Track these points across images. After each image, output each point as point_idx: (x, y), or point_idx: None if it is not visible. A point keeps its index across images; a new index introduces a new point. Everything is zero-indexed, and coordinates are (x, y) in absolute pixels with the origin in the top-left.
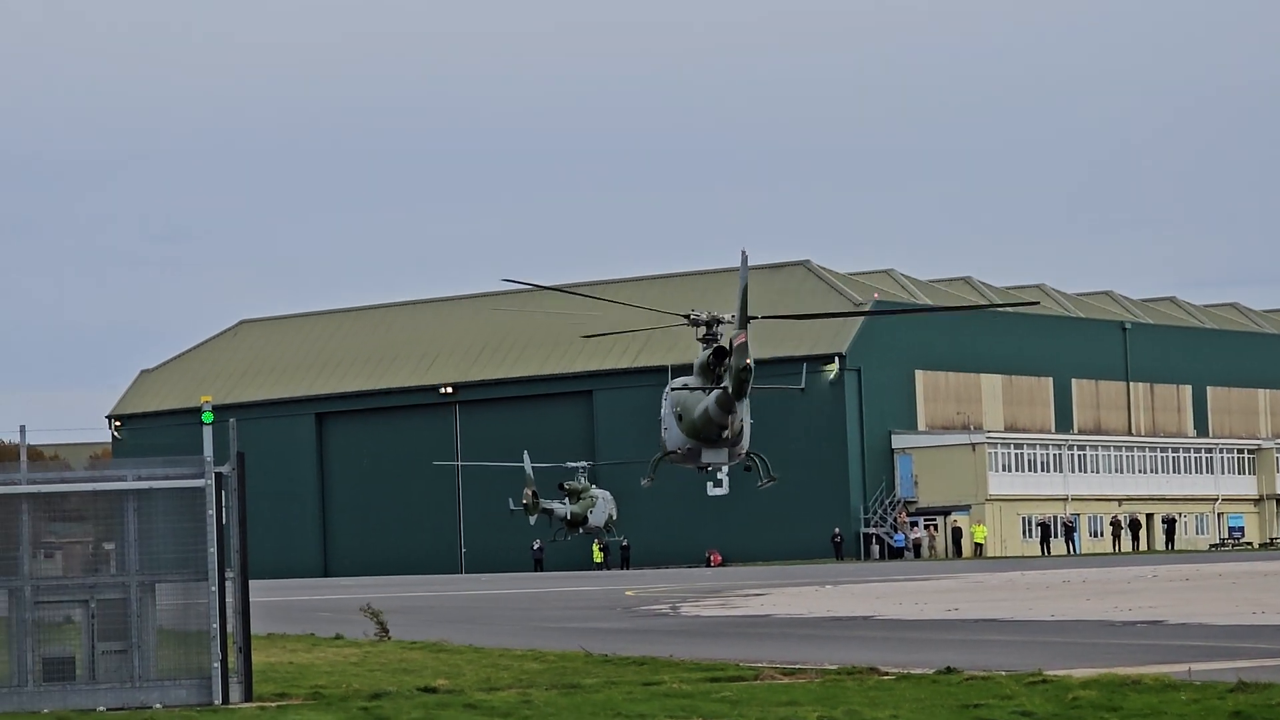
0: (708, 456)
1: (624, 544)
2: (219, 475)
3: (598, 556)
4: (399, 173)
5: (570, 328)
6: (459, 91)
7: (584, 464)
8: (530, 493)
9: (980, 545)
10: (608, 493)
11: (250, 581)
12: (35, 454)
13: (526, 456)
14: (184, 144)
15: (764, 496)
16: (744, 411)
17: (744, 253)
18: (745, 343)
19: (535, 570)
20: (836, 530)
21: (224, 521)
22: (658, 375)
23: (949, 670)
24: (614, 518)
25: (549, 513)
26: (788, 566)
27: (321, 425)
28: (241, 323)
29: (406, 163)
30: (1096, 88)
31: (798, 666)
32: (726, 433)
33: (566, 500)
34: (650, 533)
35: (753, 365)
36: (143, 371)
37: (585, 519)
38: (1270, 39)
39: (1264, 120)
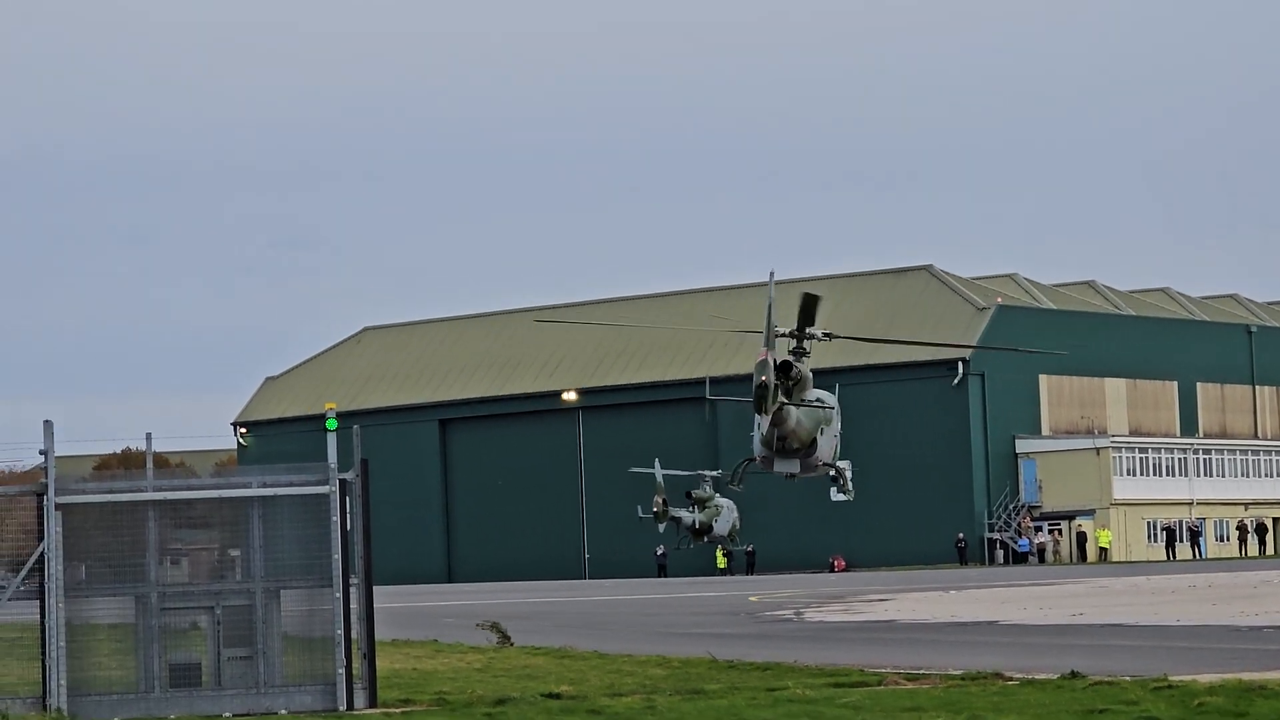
0: (779, 465)
1: (749, 549)
2: (343, 482)
3: (721, 562)
4: (523, 178)
5: (692, 334)
6: (587, 98)
7: (712, 473)
8: (661, 500)
9: (1105, 550)
10: (732, 502)
11: (374, 587)
12: (161, 461)
13: (658, 464)
14: (310, 150)
15: (887, 502)
16: (815, 423)
17: (771, 273)
18: (764, 360)
19: (659, 576)
20: (960, 535)
21: (348, 528)
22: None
23: (1073, 675)
24: (738, 526)
25: (676, 521)
26: (912, 572)
27: (445, 431)
28: (365, 329)
29: (532, 168)
30: (1222, 86)
31: (922, 672)
32: (791, 443)
33: (694, 509)
34: (775, 538)
35: (768, 382)
36: (268, 379)
37: (711, 528)
38: None
39: None
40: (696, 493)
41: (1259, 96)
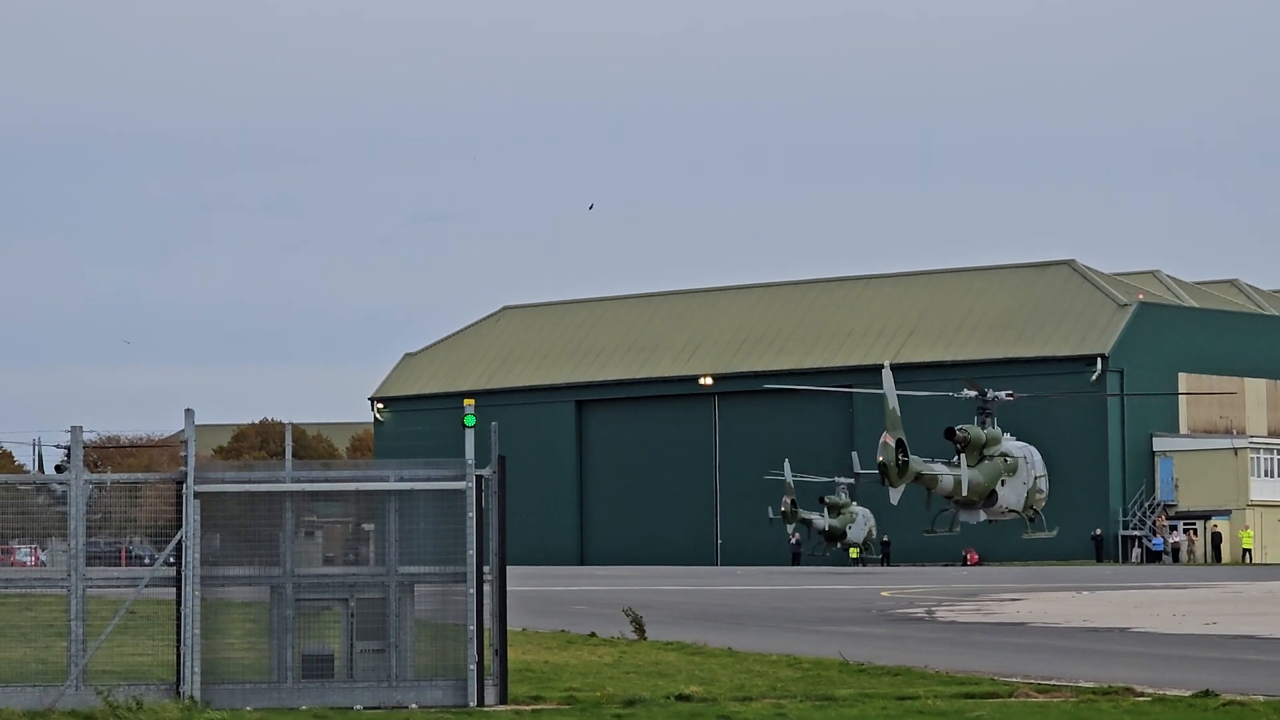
0: (963, 516)
1: (885, 540)
2: (480, 478)
3: (854, 552)
4: (665, 160)
5: (831, 323)
6: (733, 80)
7: (848, 480)
8: (789, 501)
9: (1248, 551)
10: (868, 511)
11: (506, 569)
12: (299, 432)
13: (787, 465)
14: (456, 127)
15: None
16: (992, 478)
17: (887, 365)
18: (884, 442)
19: (792, 564)
20: (1097, 530)
21: (484, 524)
22: (920, 372)
23: (1206, 693)
24: (874, 535)
25: (807, 523)
26: (1045, 568)
27: (581, 412)
28: (505, 309)
29: (675, 151)
30: None
31: (1052, 684)
32: (969, 498)
33: (826, 513)
34: (909, 529)
35: (886, 462)
36: (406, 355)
37: (844, 533)
38: None
39: None
40: (830, 498)
41: None
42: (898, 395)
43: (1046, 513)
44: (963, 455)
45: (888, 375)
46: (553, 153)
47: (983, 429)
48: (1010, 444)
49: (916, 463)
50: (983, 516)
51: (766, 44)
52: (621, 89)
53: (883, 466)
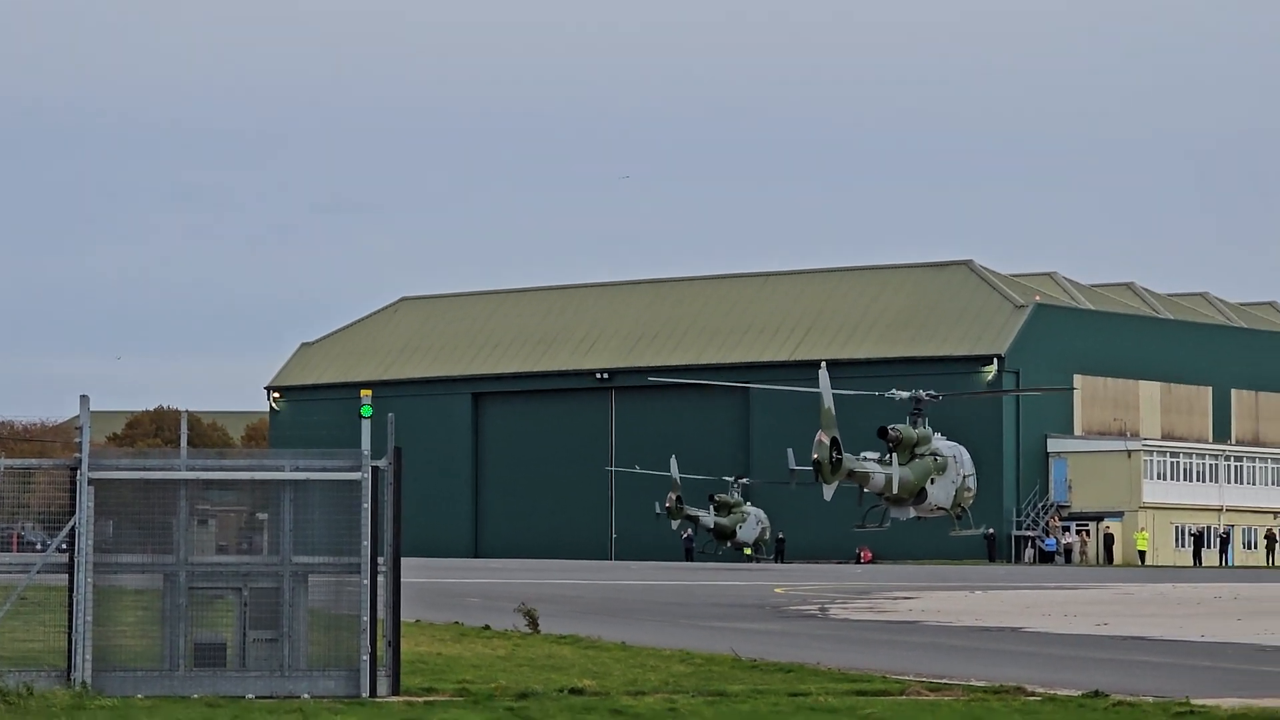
0: (894, 512)
1: (779, 536)
2: (376, 469)
3: (747, 550)
4: (565, 154)
5: (728, 318)
6: (628, 75)
7: (740, 480)
8: (674, 498)
9: (1143, 553)
10: (762, 513)
11: (400, 560)
12: (194, 420)
13: (674, 462)
14: (356, 116)
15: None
16: (921, 475)
17: (823, 364)
18: (818, 440)
19: (685, 559)
20: (990, 529)
21: (379, 515)
22: (815, 370)
23: (1096, 694)
24: (765, 536)
25: (694, 520)
26: (938, 567)
27: (478, 405)
28: (403, 300)
29: (574, 144)
30: (1262, 91)
31: (944, 682)
32: (899, 495)
33: (713, 511)
34: (803, 526)
35: (820, 459)
36: (303, 344)
37: (733, 533)
38: None
39: None
40: (720, 496)
41: None
42: (833, 394)
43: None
44: (894, 453)
45: (824, 375)
46: (453, 144)
47: (914, 428)
48: (940, 443)
49: (849, 460)
50: (912, 513)
51: (673, 40)
52: (525, 80)
53: (816, 464)
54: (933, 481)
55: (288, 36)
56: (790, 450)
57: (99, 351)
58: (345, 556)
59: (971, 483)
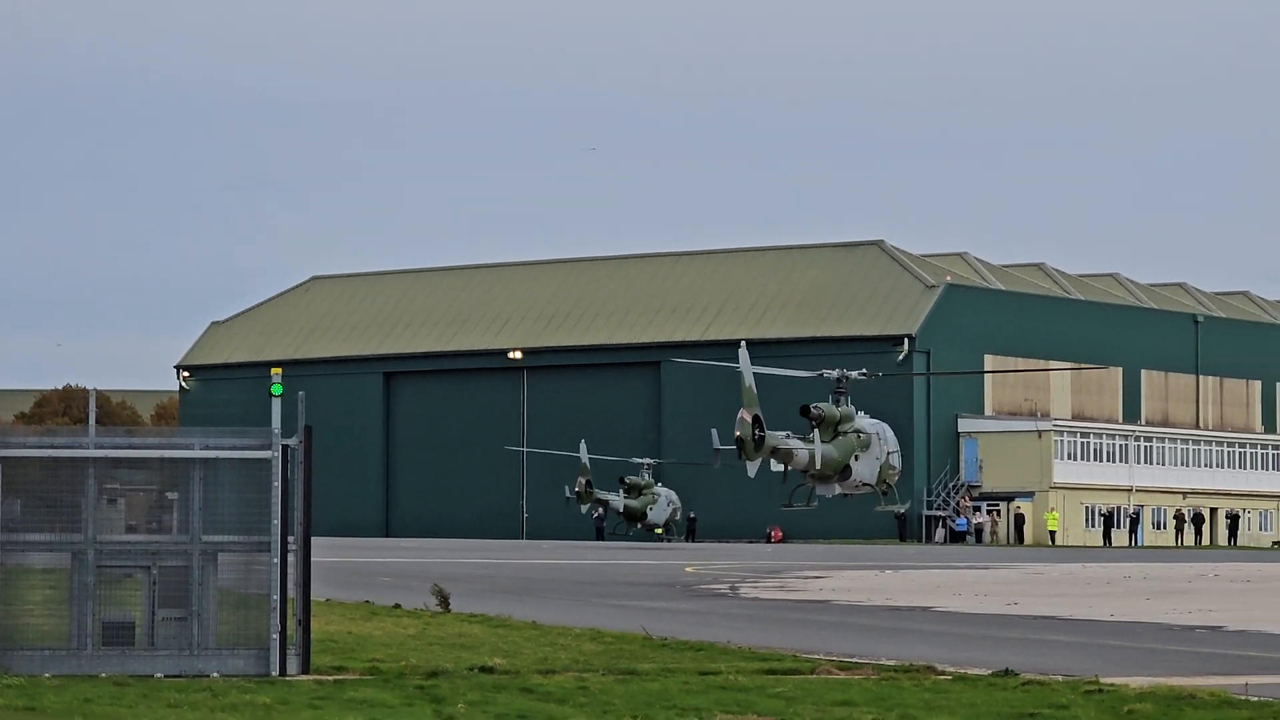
0: (820, 490)
1: (691, 516)
2: (286, 448)
3: (658, 530)
4: (478, 132)
5: (641, 298)
6: (540, 51)
7: (649, 461)
8: (584, 482)
9: (1053, 533)
10: (673, 494)
11: (311, 540)
12: (103, 399)
13: (583, 446)
14: (266, 94)
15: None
16: (845, 452)
17: (743, 343)
18: (741, 417)
19: (596, 539)
20: (901, 509)
21: (289, 493)
22: (728, 348)
23: (1006, 672)
24: (676, 517)
25: (604, 504)
26: (849, 546)
27: (389, 385)
28: (314, 279)
29: (485, 122)
30: (1176, 75)
31: (854, 661)
32: (824, 472)
33: (623, 493)
34: (715, 506)
35: (743, 436)
36: (213, 323)
37: (644, 514)
38: None
39: None
40: (631, 479)
41: (1216, 88)
42: (754, 373)
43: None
44: (817, 431)
45: (744, 353)
46: (364, 122)
47: (837, 407)
48: (863, 421)
49: (773, 437)
50: (838, 490)
51: (588, 13)
52: (436, 57)
53: (740, 441)
54: (856, 458)
55: (197, 10)
56: (714, 430)
57: (9, 329)
58: (255, 535)
59: (895, 460)
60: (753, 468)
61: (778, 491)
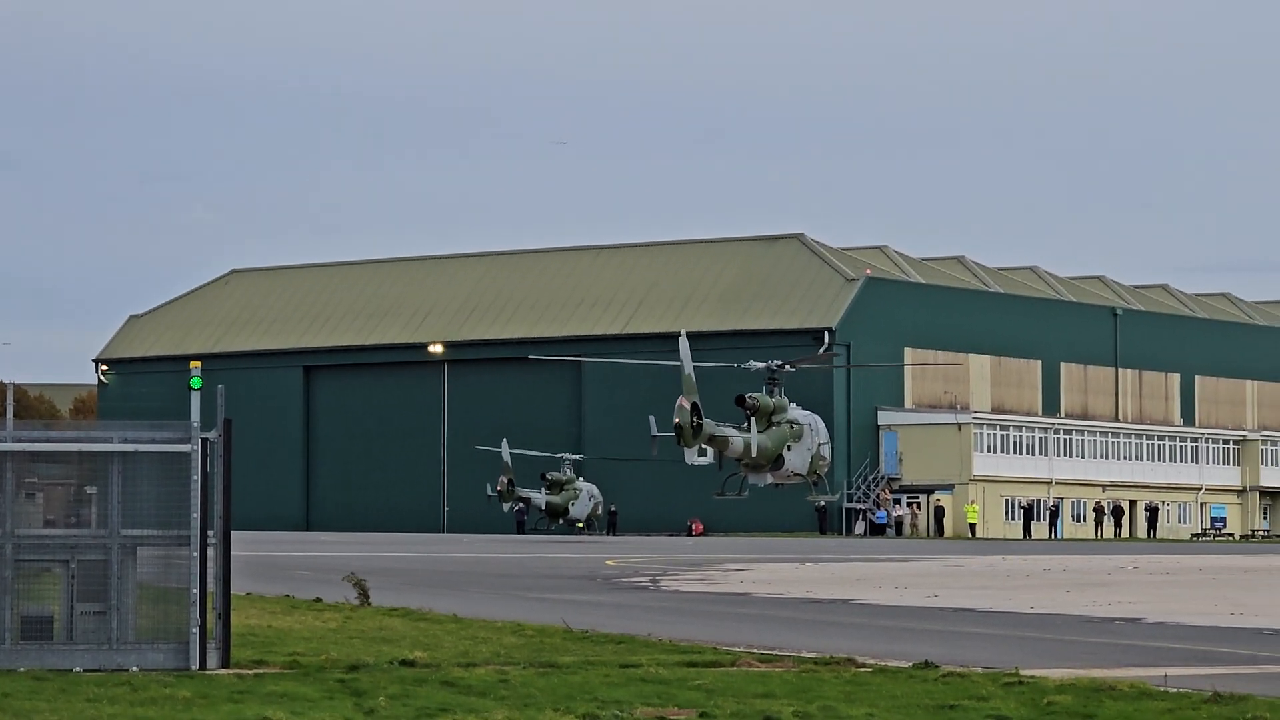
0: (752, 479)
1: (612, 509)
2: (205, 441)
3: (579, 524)
4: (397, 125)
5: (561, 292)
6: (462, 45)
7: (570, 456)
8: (506, 480)
9: (973, 525)
10: (594, 488)
11: (231, 534)
12: (20, 393)
13: (505, 444)
14: (185, 86)
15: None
16: (778, 442)
17: (682, 333)
18: (680, 405)
19: (517, 532)
20: (821, 501)
21: (208, 487)
22: (648, 342)
23: (926, 664)
24: (599, 512)
25: (526, 501)
26: (769, 539)
27: (309, 378)
28: (233, 272)
29: (404, 114)
30: (1094, 72)
31: (775, 653)
32: (758, 461)
33: (545, 490)
34: (635, 499)
35: (681, 423)
36: (132, 316)
37: (566, 510)
38: (1267, 31)
39: (1260, 109)
40: (552, 474)
41: (1136, 82)
42: (693, 364)
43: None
44: (752, 420)
45: (684, 343)
46: (284, 115)
47: (770, 397)
48: (796, 412)
49: (710, 425)
50: (770, 479)
51: (503, 8)
52: (354, 50)
53: (678, 428)
54: (789, 448)
55: (111, 4)
56: (652, 417)
57: None
58: (174, 529)
59: (826, 451)
60: (690, 454)
61: (698, 485)
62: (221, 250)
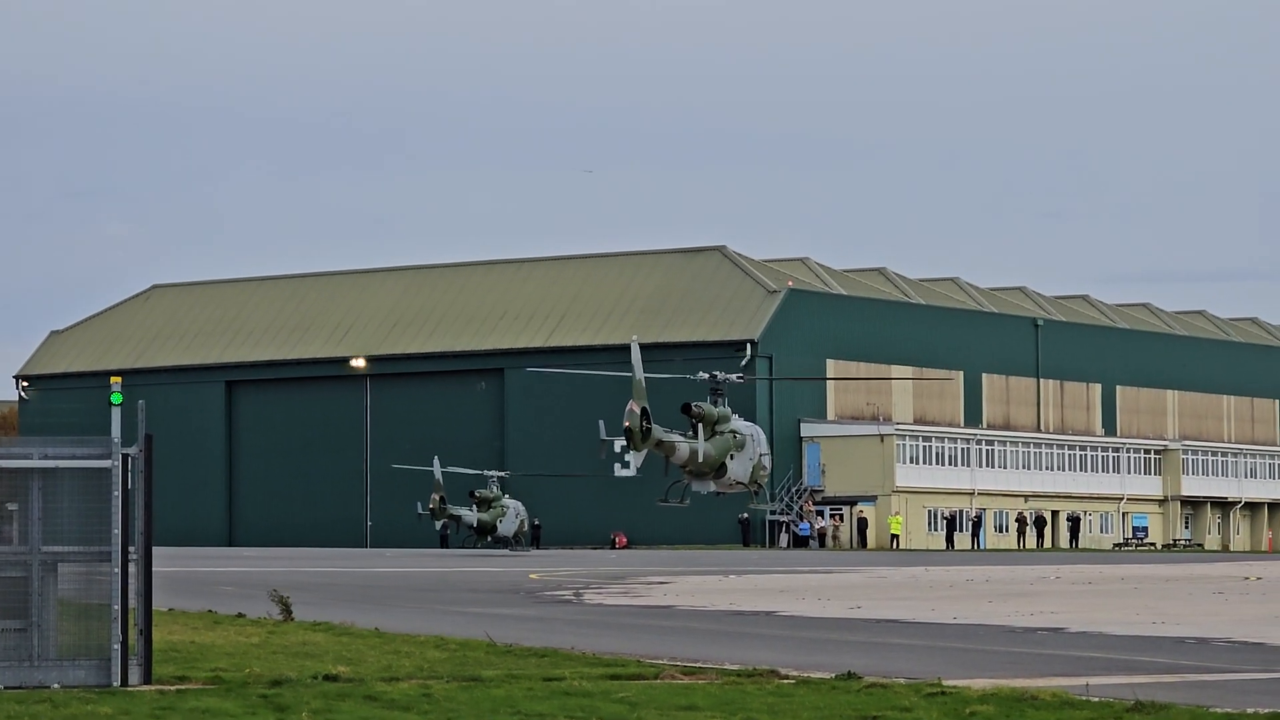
0: (696, 486)
1: (535, 523)
2: (126, 457)
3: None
4: (316, 140)
5: (484, 306)
6: (380, 57)
7: (498, 474)
8: (438, 498)
9: (896, 537)
10: (520, 504)
11: (153, 549)
12: None
13: (436, 462)
14: (101, 102)
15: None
16: (722, 451)
17: (634, 339)
18: (630, 409)
19: (440, 546)
20: (744, 514)
21: (129, 502)
22: (571, 355)
23: (849, 675)
24: (525, 529)
25: (456, 519)
26: (693, 552)
27: (231, 393)
28: (154, 287)
29: (324, 129)
30: (1013, 84)
31: (698, 665)
32: (702, 469)
33: (475, 508)
34: (559, 512)
35: (631, 427)
36: (52, 332)
37: (494, 527)
38: (1179, 38)
39: (1178, 120)
40: (481, 492)
41: (1054, 93)
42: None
43: (696, 491)
44: (699, 428)
45: (635, 349)
46: (204, 129)
47: (715, 407)
48: (739, 423)
49: (658, 431)
50: (712, 487)
51: (431, 21)
52: (273, 63)
53: (628, 431)
54: (732, 457)
55: (32, 13)
56: (601, 421)
57: None
58: (96, 545)
59: (767, 461)
60: (638, 458)
61: (622, 498)
62: (143, 265)
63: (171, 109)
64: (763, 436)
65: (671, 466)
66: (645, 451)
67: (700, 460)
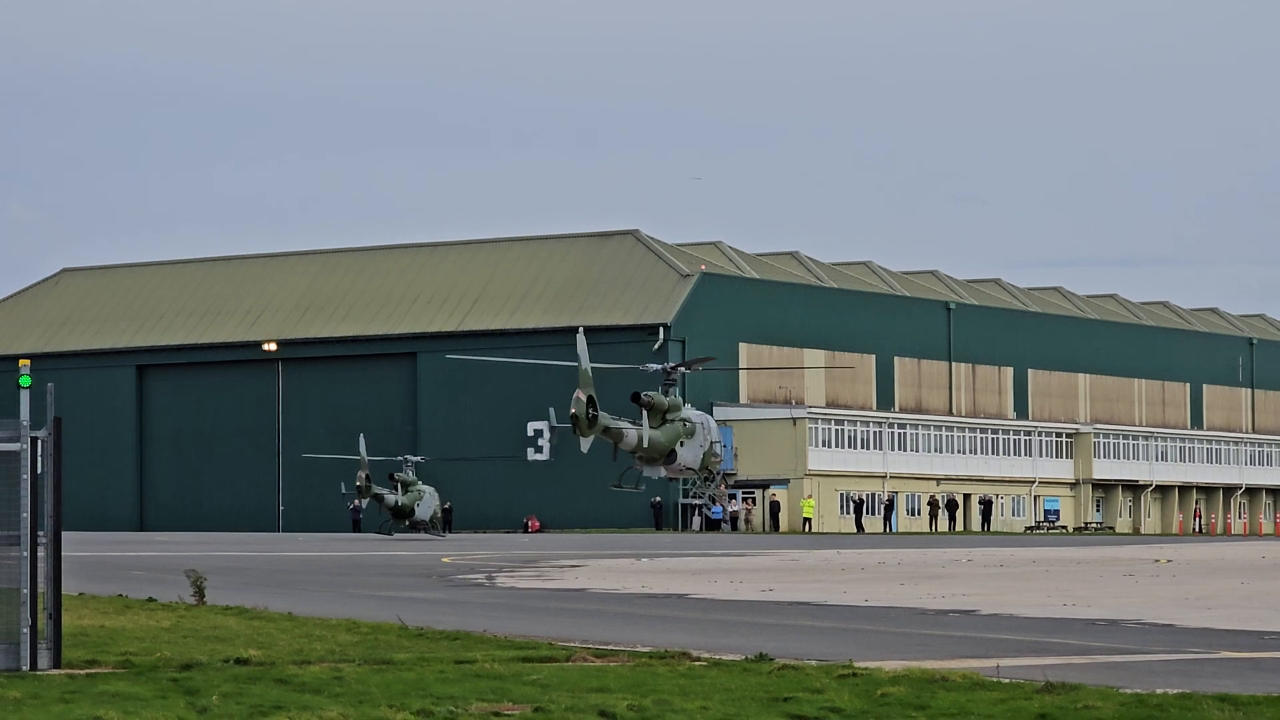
0: (647, 471)
1: (447, 506)
2: (35, 440)
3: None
4: (226, 123)
5: (397, 289)
6: (290, 40)
7: (415, 459)
8: (364, 475)
9: (808, 520)
10: (434, 489)
11: (63, 534)
12: None
13: (362, 441)
14: (11, 84)
15: (584, 464)
16: (671, 438)
17: (580, 329)
18: (576, 396)
19: (353, 530)
20: (656, 498)
21: (38, 486)
22: (485, 339)
23: (761, 657)
24: (439, 514)
25: (379, 499)
26: (605, 535)
27: (142, 378)
28: (63, 271)
29: (234, 111)
30: (926, 66)
31: (610, 648)
32: (650, 454)
33: (398, 489)
34: (472, 496)
35: (577, 414)
36: None
37: (413, 511)
38: (1090, 23)
39: (1090, 105)
40: (400, 475)
41: (963, 77)
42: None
43: (608, 474)
44: (646, 415)
45: (581, 339)
46: (113, 112)
47: (665, 396)
48: (689, 411)
49: (605, 418)
50: (663, 473)
51: (341, 7)
52: (182, 44)
53: (575, 418)
54: (682, 444)
55: None
56: (551, 409)
57: None
58: (4, 529)
59: (718, 448)
60: (585, 443)
61: (532, 483)
62: (52, 249)
63: (79, 91)
64: (714, 425)
65: (621, 453)
66: (593, 437)
67: (648, 446)
